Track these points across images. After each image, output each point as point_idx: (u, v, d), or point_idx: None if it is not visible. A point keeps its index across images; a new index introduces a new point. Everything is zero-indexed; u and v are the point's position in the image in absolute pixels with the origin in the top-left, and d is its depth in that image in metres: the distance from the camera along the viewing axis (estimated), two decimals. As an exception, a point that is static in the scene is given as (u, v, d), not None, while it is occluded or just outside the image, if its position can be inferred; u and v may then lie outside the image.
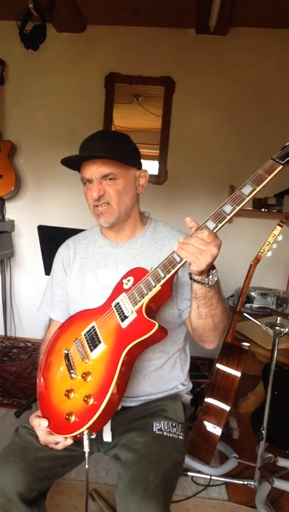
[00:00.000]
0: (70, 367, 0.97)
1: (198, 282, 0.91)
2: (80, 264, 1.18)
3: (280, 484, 1.63)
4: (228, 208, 0.86)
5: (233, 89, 2.78)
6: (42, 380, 1.04)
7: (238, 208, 0.85)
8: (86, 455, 0.88)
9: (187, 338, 1.21)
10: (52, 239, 1.43)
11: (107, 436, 1.07)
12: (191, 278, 0.92)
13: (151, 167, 2.92)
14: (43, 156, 2.99)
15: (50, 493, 1.07)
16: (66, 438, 0.91)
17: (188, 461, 1.69)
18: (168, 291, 0.94)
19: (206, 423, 1.66)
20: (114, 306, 0.98)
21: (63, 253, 1.22)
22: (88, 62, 2.89)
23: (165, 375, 1.14)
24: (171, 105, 2.85)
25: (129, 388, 1.10)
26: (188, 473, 1.68)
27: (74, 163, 1.08)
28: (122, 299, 0.97)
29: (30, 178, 3.05)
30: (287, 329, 1.51)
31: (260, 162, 0.91)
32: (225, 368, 1.69)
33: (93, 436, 0.88)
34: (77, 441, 1.08)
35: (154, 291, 0.91)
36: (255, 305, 2.45)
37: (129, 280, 1.00)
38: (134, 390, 1.11)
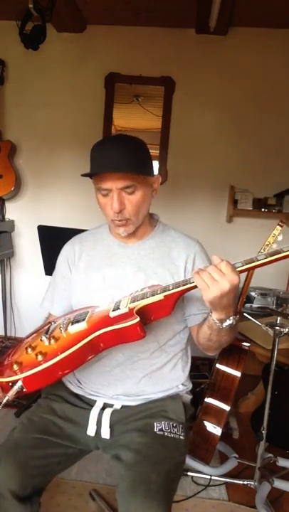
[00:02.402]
0: (46, 332, 0.98)
1: (212, 319, 0.92)
2: (86, 261, 1.18)
3: (280, 484, 1.63)
4: (260, 257, 0.85)
5: (233, 89, 2.79)
6: (27, 336, 1.07)
7: (270, 259, 0.83)
8: (4, 401, 0.85)
9: (189, 340, 1.21)
10: (52, 239, 1.44)
11: (105, 433, 1.07)
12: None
13: (151, 167, 2.92)
14: (43, 156, 2.99)
15: (50, 492, 1.07)
16: None
17: (189, 461, 1.69)
18: (168, 308, 0.93)
19: (206, 423, 1.66)
20: (116, 301, 1.00)
21: (68, 250, 1.23)
22: (88, 62, 2.89)
23: (166, 375, 1.14)
24: (171, 105, 2.85)
25: (128, 387, 1.11)
26: (188, 473, 1.68)
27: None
28: (125, 298, 0.99)
29: (30, 178, 3.05)
30: (287, 329, 1.51)
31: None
32: (225, 368, 1.69)
33: (17, 389, 0.85)
34: (72, 439, 1.09)
35: (155, 298, 0.91)
36: (255, 305, 2.45)
37: (142, 290, 1.01)
38: (134, 389, 1.11)
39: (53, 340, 0.93)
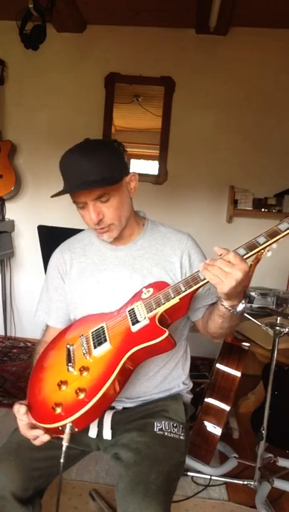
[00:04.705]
0: (69, 359, 0.95)
1: (225, 307, 0.92)
2: (78, 268, 1.15)
3: (280, 484, 1.63)
4: (261, 240, 0.86)
5: (233, 89, 2.79)
6: (37, 370, 1.03)
7: (271, 241, 0.85)
8: (63, 448, 0.84)
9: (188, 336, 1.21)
10: (52, 239, 1.43)
11: (107, 434, 1.07)
12: (220, 302, 0.93)
13: (151, 167, 2.92)
14: (42, 156, 2.99)
15: (50, 492, 1.06)
16: (45, 429, 0.87)
17: (189, 461, 1.69)
18: (184, 308, 0.94)
19: (206, 423, 1.66)
20: (128, 311, 0.98)
21: (58, 259, 1.19)
22: (88, 62, 2.89)
23: (167, 375, 1.14)
24: (171, 105, 2.85)
25: (130, 389, 1.10)
26: (188, 473, 1.68)
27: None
28: (138, 306, 0.97)
29: (30, 178, 3.05)
30: (287, 329, 1.51)
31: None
32: (225, 368, 1.69)
33: (69, 431, 0.85)
34: (74, 440, 1.08)
35: (172, 302, 0.91)
36: (255, 305, 2.45)
37: (149, 291, 0.99)
38: (136, 391, 1.11)
39: (85, 373, 0.90)
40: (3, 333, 3.18)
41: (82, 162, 0.97)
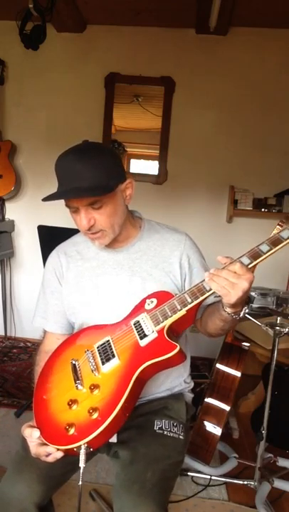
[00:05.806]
0: (76, 377, 0.92)
1: (228, 313, 0.92)
2: (75, 272, 1.13)
3: (280, 484, 1.63)
4: (265, 248, 0.86)
5: (233, 89, 2.79)
6: (41, 387, 0.99)
7: (274, 249, 0.85)
8: (81, 470, 0.81)
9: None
10: (52, 239, 1.43)
11: (113, 437, 1.06)
12: (222, 308, 0.93)
13: (151, 167, 2.93)
14: (42, 156, 2.99)
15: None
16: (58, 449, 0.85)
17: (189, 461, 1.70)
18: (191, 319, 0.93)
19: (206, 423, 1.66)
20: (134, 324, 0.96)
21: (54, 262, 1.17)
22: (88, 62, 2.89)
23: (169, 374, 1.13)
24: (171, 105, 2.85)
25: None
26: (189, 473, 1.68)
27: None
28: (143, 318, 0.95)
29: (30, 178, 3.05)
30: (287, 329, 1.51)
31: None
32: (225, 368, 1.69)
33: (85, 451, 0.83)
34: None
35: (179, 314, 0.90)
36: (255, 305, 2.45)
37: (152, 301, 0.98)
38: None
39: (96, 391, 0.88)
40: (3, 333, 3.18)
41: (77, 166, 0.94)
